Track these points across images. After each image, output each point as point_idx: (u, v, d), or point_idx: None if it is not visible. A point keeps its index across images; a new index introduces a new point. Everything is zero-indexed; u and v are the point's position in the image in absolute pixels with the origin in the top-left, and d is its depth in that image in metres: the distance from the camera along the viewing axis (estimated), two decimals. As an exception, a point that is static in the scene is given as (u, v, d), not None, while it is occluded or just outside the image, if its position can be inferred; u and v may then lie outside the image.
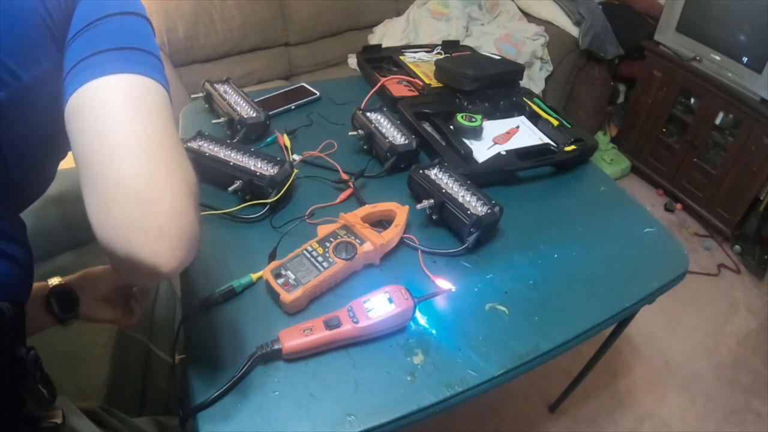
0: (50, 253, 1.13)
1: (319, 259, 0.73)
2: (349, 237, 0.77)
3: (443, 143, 1.02)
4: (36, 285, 0.62)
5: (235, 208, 0.84)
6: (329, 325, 0.64)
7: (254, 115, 1.01)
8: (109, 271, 0.68)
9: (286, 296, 0.67)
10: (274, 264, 0.72)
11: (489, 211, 0.82)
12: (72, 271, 1.15)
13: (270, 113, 1.04)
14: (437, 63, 1.24)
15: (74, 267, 1.12)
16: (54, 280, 0.64)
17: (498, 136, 1.08)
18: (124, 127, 0.41)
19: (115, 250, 0.40)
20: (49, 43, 0.45)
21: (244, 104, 1.04)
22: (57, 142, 0.51)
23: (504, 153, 1.02)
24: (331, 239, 0.76)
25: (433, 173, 0.90)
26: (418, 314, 0.71)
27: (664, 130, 2.25)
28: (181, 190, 0.42)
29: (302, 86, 1.24)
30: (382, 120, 1.03)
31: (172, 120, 0.45)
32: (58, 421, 0.53)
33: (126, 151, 0.40)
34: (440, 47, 1.44)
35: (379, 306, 0.66)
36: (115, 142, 0.40)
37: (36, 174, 0.51)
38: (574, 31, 2.20)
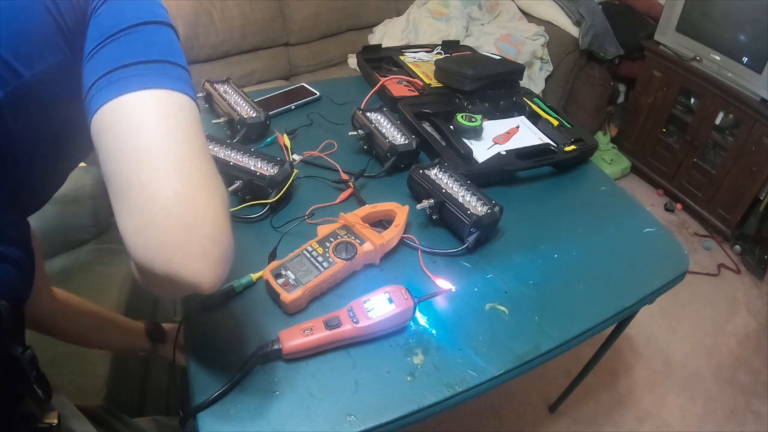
0: (49, 254, 1.13)
1: (319, 259, 0.73)
2: (349, 237, 0.77)
3: (443, 143, 1.02)
4: (133, 322, 0.82)
5: (235, 208, 0.84)
6: (329, 325, 0.64)
7: (254, 115, 1.01)
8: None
9: (286, 296, 0.67)
10: (274, 264, 0.72)
11: (489, 211, 0.82)
12: (71, 270, 1.16)
13: (270, 113, 1.04)
14: (437, 63, 1.24)
15: (72, 267, 1.13)
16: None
17: (498, 136, 1.08)
18: (162, 147, 0.40)
19: (154, 270, 0.40)
20: (57, 39, 0.43)
21: (244, 104, 1.04)
22: (64, 142, 0.50)
23: (504, 153, 1.02)
24: (331, 239, 0.76)
25: (433, 173, 0.90)
26: (418, 314, 0.71)
27: (664, 130, 2.25)
28: (220, 209, 0.42)
29: (302, 86, 1.24)
30: (382, 120, 1.03)
31: (204, 136, 0.45)
32: (54, 422, 0.52)
33: (166, 173, 0.40)
34: (440, 47, 1.44)
35: (379, 306, 0.66)
36: (154, 163, 0.40)
37: (41, 176, 0.50)
38: (574, 31, 2.20)
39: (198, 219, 0.40)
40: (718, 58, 1.90)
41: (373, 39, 2.15)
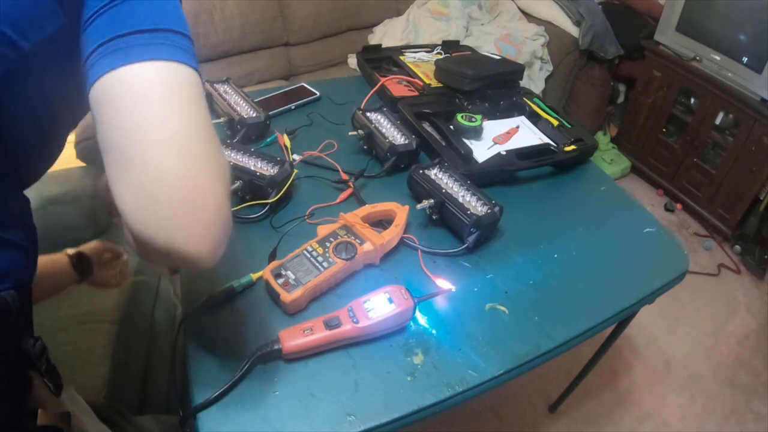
0: (48, 253, 1.12)
1: (319, 259, 0.73)
2: (349, 237, 0.77)
3: (443, 143, 1.02)
4: (56, 257, 0.77)
5: (235, 208, 0.84)
6: (329, 325, 0.64)
7: (254, 115, 1.01)
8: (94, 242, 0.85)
9: (286, 296, 0.67)
10: (274, 264, 0.72)
11: (489, 211, 0.82)
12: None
13: (270, 113, 1.04)
14: (437, 63, 1.24)
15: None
16: (70, 251, 0.79)
17: (498, 136, 1.08)
18: (166, 122, 0.39)
19: (154, 246, 0.40)
20: (54, 5, 0.41)
21: (244, 104, 1.04)
22: (63, 113, 0.49)
23: (504, 153, 1.02)
24: (331, 239, 0.76)
25: (433, 173, 0.90)
26: (418, 314, 0.71)
27: (664, 130, 2.25)
28: (221, 188, 0.42)
29: (302, 86, 1.24)
30: (382, 120, 1.03)
31: (207, 110, 0.43)
32: (64, 427, 0.52)
33: (170, 149, 0.39)
34: (440, 47, 1.44)
35: (379, 306, 0.66)
36: (158, 139, 0.39)
37: (41, 149, 0.49)
38: (574, 31, 2.20)
39: (201, 197, 0.40)
40: (718, 58, 1.90)
41: (373, 39, 2.15)
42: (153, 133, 0.39)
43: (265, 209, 0.84)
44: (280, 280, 0.69)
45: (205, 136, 0.42)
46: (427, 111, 1.11)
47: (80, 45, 0.42)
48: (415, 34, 2.07)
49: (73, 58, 0.42)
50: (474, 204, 0.84)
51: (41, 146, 0.48)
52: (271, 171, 0.85)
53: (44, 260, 0.75)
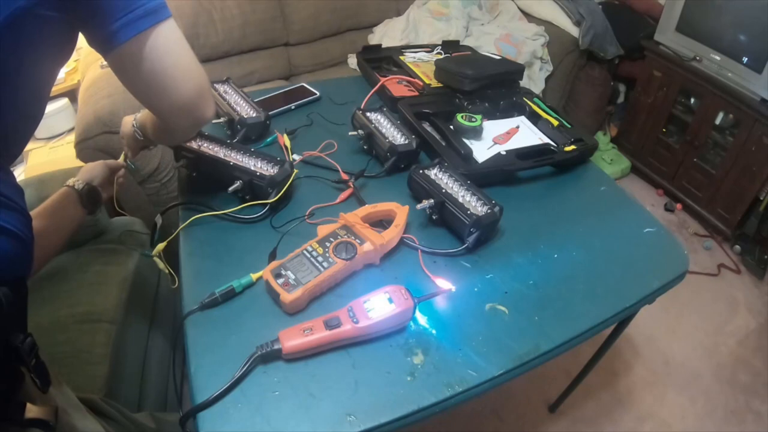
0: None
1: (319, 259, 0.73)
2: (349, 237, 0.77)
3: (443, 143, 1.02)
4: (63, 191, 0.81)
5: (235, 209, 0.84)
6: (329, 325, 0.64)
7: (254, 115, 1.01)
8: (99, 164, 0.89)
9: (286, 296, 0.67)
10: (274, 264, 0.72)
11: (489, 211, 0.82)
12: (70, 270, 1.16)
13: (270, 113, 1.04)
14: (437, 63, 1.23)
15: (72, 267, 1.13)
16: (75, 183, 0.82)
17: (498, 136, 1.08)
18: (186, 58, 0.60)
19: (187, 117, 0.64)
20: None
21: (244, 104, 1.04)
22: (41, 78, 0.52)
23: (504, 153, 1.02)
24: (331, 239, 0.76)
25: (433, 173, 0.90)
26: (418, 314, 0.71)
27: (664, 130, 2.25)
28: (207, 80, 0.65)
29: (302, 86, 1.24)
30: (382, 120, 1.03)
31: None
32: (50, 421, 0.52)
33: (196, 68, 0.62)
34: (440, 47, 1.44)
35: (379, 306, 0.66)
36: (185, 70, 0.60)
37: (23, 116, 0.51)
38: (574, 31, 2.20)
39: (207, 88, 0.64)
40: (718, 58, 1.90)
41: (373, 39, 2.15)
42: (183, 64, 0.60)
43: (265, 209, 0.84)
44: (280, 280, 0.69)
45: (194, 57, 0.61)
46: (427, 111, 1.11)
47: (71, 18, 0.50)
48: (415, 34, 2.07)
49: (44, 28, 0.48)
50: (474, 204, 0.84)
51: (22, 112, 0.51)
52: (271, 171, 0.85)
53: (54, 207, 0.79)
